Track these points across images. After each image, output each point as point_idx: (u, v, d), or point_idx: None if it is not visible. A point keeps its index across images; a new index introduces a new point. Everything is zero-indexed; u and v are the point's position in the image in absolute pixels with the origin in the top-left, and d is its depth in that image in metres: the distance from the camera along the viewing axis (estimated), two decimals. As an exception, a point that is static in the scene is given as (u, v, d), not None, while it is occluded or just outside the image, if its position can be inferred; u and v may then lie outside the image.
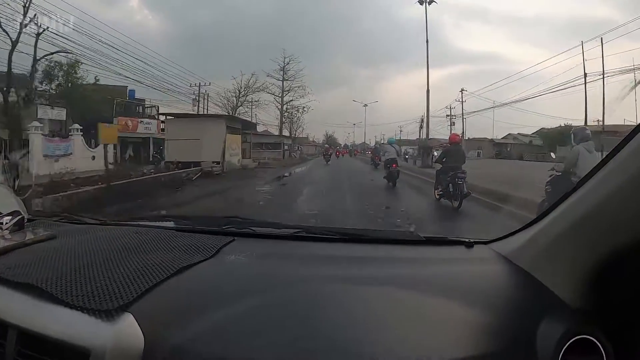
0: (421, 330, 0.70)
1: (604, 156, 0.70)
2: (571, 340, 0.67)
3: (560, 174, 4.48)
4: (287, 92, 31.52)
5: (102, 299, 0.71)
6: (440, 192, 7.17)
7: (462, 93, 31.31)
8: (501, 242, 1.02)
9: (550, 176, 4.71)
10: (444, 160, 7.27)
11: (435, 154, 13.46)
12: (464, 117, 31.31)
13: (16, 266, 0.82)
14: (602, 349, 0.68)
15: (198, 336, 0.65)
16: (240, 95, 28.32)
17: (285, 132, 34.30)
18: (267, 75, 29.86)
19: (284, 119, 32.26)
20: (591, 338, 0.68)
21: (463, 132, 29.44)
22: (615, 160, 0.66)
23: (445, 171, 6.93)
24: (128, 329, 0.66)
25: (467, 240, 1.08)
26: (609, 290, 0.74)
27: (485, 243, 1.06)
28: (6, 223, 1.04)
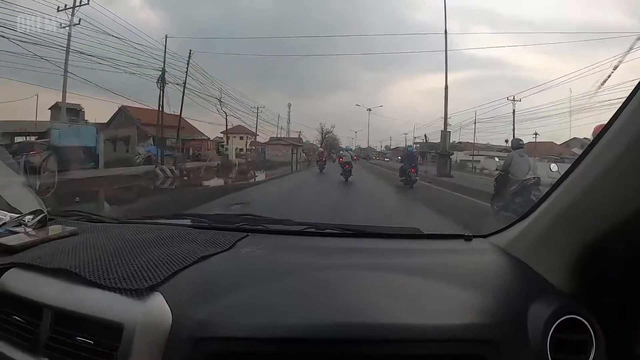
0: (419, 304, 0.78)
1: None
2: (560, 320, 0.73)
3: (502, 172, 5.80)
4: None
5: (132, 281, 0.78)
6: None
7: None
8: (498, 235, 1.08)
9: (496, 176, 6.29)
10: None
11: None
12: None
13: (46, 256, 0.89)
14: (590, 328, 0.73)
15: (220, 313, 0.72)
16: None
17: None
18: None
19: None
20: (579, 317, 0.73)
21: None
22: (592, 154, 0.71)
23: None
24: (157, 306, 0.73)
25: (465, 234, 1.14)
26: (597, 274, 0.79)
27: (483, 237, 1.13)
28: (30, 220, 1.10)
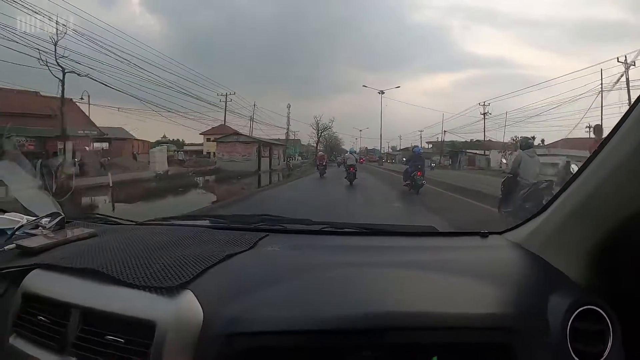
0: (439, 295, 0.80)
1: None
2: (578, 310, 0.75)
3: (511, 175, 5.25)
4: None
5: (162, 279, 0.78)
6: None
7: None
8: (514, 231, 1.09)
9: (504, 178, 5.70)
10: None
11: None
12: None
13: (70, 257, 0.89)
14: (607, 318, 0.75)
15: (249, 309, 0.73)
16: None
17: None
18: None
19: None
20: (596, 308, 0.75)
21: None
22: (606, 150, 0.73)
23: None
24: (188, 304, 0.74)
25: (481, 231, 1.15)
26: (612, 265, 0.81)
27: (499, 233, 1.14)
28: (47, 223, 1.09)
